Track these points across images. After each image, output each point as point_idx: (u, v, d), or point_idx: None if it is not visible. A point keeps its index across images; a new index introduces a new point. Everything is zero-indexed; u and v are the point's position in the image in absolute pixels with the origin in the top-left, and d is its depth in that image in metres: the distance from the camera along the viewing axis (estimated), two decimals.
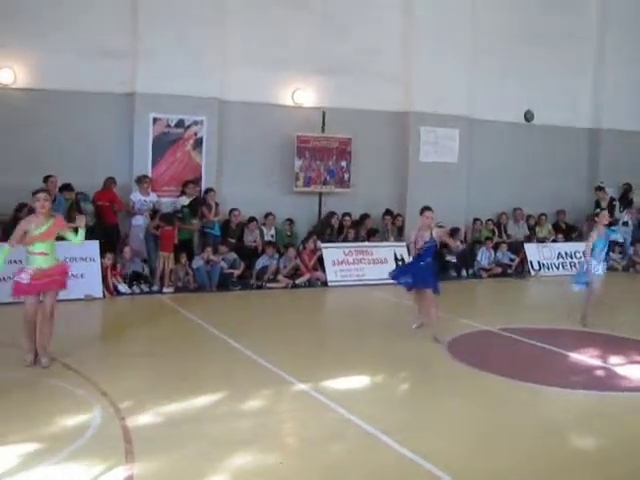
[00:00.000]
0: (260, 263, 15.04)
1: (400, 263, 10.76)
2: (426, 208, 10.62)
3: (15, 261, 9.74)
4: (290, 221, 16.30)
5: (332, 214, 16.68)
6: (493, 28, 18.47)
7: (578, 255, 12.29)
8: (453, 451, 6.40)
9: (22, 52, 14.18)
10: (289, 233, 16.27)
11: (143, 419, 6.92)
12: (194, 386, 7.98)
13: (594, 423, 7.34)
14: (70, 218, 13.80)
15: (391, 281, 11.27)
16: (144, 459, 5.96)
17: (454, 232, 16.48)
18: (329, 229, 16.56)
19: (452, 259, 16.83)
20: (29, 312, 8.48)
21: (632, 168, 19.89)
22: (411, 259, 10.99)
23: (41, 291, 8.54)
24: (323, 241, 16.00)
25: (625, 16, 19.94)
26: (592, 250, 11.67)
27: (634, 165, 19.95)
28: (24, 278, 8.38)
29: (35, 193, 8.69)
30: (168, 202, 15.02)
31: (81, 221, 8.94)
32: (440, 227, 11.78)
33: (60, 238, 8.85)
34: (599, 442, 6.89)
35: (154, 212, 14.60)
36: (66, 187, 13.97)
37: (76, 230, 8.89)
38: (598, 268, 11.65)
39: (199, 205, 15.04)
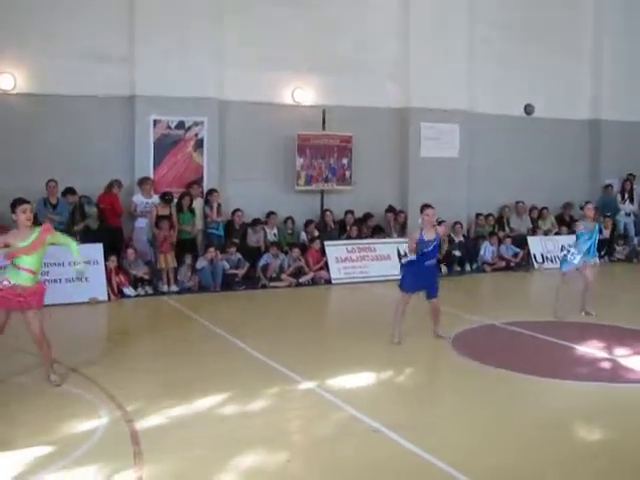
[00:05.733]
0: (263, 260, 15.09)
1: (402, 263, 10.36)
2: (426, 206, 10.31)
3: None
4: (291, 220, 16.31)
5: (325, 211, 16.75)
6: (491, 22, 18.45)
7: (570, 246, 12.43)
8: (460, 446, 6.42)
9: (21, 58, 14.21)
10: (290, 231, 16.26)
11: (150, 421, 6.94)
12: (201, 387, 8.01)
13: (599, 415, 7.34)
14: (74, 221, 13.93)
15: (395, 278, 11.10)
16: (152, 460, 5.99)
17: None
18: (328, 227, 16.60)
19: (456, 253, 16.87)
20: None
21: (633, 159, 19.87)
22: (413, 260, 10.18)
23: (11, 308, 7.80)
24: (324, 239, 16.03)
25: (622, 7, 19.90)
26: (577, 240, 11.89)
27: (635, 156, 19.92)
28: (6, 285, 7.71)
29: (18, 204, 7.72)
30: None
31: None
32: (441, 222, 11.71)
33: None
34: (605, 434, 6.89)
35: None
36: (69, 191, 14.01)
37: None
38: (577, 258, 11.76)
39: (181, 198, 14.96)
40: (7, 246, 7.74)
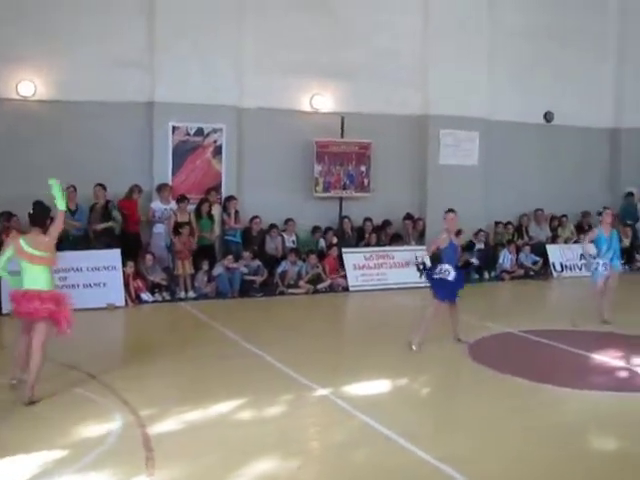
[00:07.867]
0: (281, 267, 15.08)
1: (430, 274, 10.34)
2: (450, 210, 10.53)
3: None
4: (319, 230, 16.28)
5: (343, 218, 16.70)
6: (511, 29, 18.32)
7: (595, 257, 12.39)
8: (474, 455, 6.37)
9: (41, 64, 14.29)
10: (316, 241, 16.18)
11: (164, 426, 6.96)
12: (215, 393, 8.02)
13: (615, 425, 7.28)
14: (96, 220, 13.92)
15: (413, 285, 11.06)
16: (165, 466, 6.00)
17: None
18: (346, 234, 16.57)
19: (475, 262, 16.76)
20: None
21: None
22: (453, 275, 10.20)
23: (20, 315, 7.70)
24: (343, 246, 16.01)
25: None
26: (599, 250, 11.86)
27: None
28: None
29: None
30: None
31: None
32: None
33: None
34: (621, 444, 6.84)
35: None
36: (100, 185, 14.09)
37: None
38: (605, 267, 11.81)
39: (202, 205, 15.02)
40: None
